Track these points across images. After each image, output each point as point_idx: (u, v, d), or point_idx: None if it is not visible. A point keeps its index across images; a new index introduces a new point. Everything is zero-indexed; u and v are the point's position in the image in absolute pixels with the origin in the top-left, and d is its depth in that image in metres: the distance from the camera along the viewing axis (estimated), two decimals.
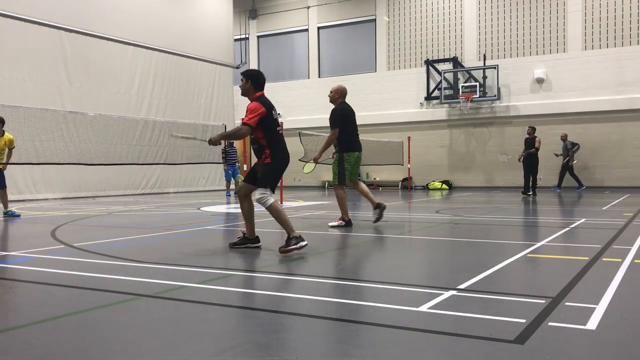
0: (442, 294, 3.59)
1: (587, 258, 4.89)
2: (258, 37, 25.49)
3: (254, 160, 6.03)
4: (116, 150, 15.60)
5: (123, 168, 16.63)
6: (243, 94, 5.66)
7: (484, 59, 20.48)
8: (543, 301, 3.37)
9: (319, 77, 23.96)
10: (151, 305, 3.50)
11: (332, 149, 7.92)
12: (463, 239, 6.51)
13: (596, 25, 18.90)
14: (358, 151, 7.77)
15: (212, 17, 21.78)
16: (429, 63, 21.37)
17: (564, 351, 2.58)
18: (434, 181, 21.09)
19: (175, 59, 20.06)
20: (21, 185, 15.22)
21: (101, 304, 3.53)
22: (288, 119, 21.96)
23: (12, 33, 15.13)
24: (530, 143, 15.17)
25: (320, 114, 18.70)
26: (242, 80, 5.61)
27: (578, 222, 8.01)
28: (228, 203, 13.86)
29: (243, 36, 25.13)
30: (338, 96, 7.70)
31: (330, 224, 7.82)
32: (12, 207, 10.46)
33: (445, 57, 21.24)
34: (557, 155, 17.88)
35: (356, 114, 7.92)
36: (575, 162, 17.57)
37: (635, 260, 4.77)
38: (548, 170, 18.55)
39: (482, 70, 20.28)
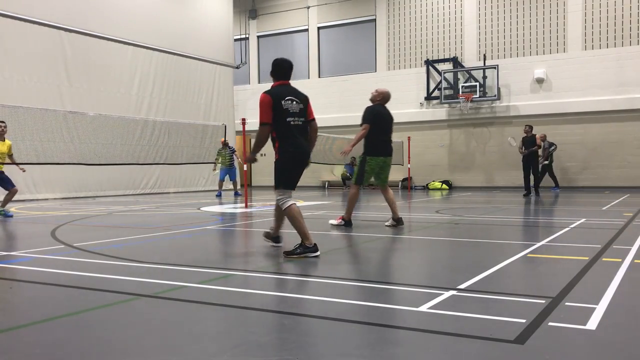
0: (442, 294, 3.59)
1: (587, 258, 4.89)
2: (258, 37, 25.49)
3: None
4: (116, 151, 15.62)
5: (123, 168, 16.64)
6: None
7: (484, 59, 20.48)
8: (543, 301, 3.37)
9: (319, 77, 23.97)
10: (151, 305, 3.50)
11: (356, 151, 7.78)
12: (463, 239, 6.51)
13: (596, 25, 18.90)
14: (383, 156, 7.57)
15: (212, 17, 21.78)
16: (429, 63, 21.38)
17: (564, 351, 2.58)
18: (434, 181, 21.09)
19: (175, 59, 20.06)
20: (21, 185, 15.14)
21: (101, 304, 3.53)
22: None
23: (12, 33, 15.13)
24: (530, 141, 14.88)
25: (321, 114, 18.58)
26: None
27: (578, 222, 8.00)
28: (225, 203, 13.84)
29: (243, 36, 25.14)
30: (380, 98, 7.61)
31: (331, 221, 7.90)
32: (11, 208, 10.46)
33: (445, 57, 21.24)
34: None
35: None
36: (546, 162, 17.04)
37: (635, 260, 4.76)
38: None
39: (482, 70, 20.28)
